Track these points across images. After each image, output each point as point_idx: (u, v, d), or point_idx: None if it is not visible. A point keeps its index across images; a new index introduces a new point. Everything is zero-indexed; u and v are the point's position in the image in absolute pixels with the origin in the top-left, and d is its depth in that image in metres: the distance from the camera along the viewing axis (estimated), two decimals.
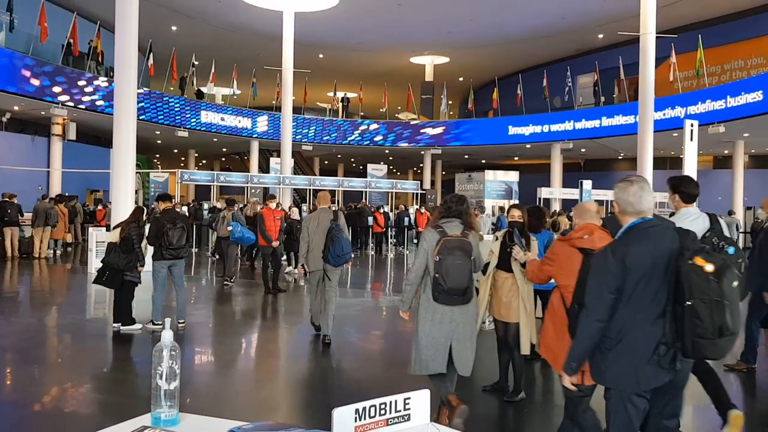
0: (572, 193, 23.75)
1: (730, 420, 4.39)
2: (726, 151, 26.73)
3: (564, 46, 28.69)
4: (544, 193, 25.04)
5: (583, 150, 29.42)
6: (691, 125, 11.26)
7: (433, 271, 4.39)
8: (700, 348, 2.78)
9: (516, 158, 34.93)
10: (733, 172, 24.97)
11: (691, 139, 11.23)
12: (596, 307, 2.90)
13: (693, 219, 4.10)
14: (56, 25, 20.42)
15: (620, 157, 32.00)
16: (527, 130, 27.93)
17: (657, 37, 17.43)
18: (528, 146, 29.02)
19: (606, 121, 25.26)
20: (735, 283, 2.77)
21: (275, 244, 11.23)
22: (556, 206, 25.41)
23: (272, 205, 11.76)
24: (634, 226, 2.97)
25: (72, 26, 20.86)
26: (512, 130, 28.34)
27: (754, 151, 27.45)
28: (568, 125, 26.67)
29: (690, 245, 2.88)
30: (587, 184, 22.01)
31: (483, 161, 35.94)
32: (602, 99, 26.44)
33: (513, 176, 27.45)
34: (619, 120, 24.46)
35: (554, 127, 27.11)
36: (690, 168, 11.24)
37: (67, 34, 20.93)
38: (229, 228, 11.61)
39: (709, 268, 2.75)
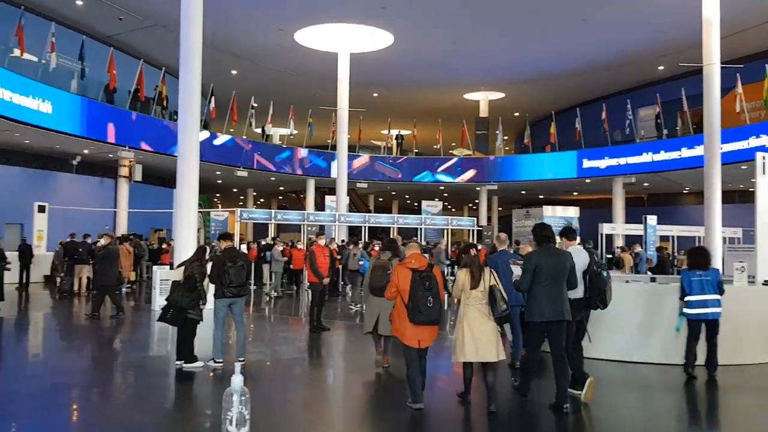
0: (636, 229, 22.99)
1: (587, 385, 6.48)
2: None
3: (623, 78, 28.24)
4: (605, 228, 24.38)
5: (645, 184, 28.65)
6: (763, 157, 10.79)
7: (371, 279, 8.08)
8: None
9: (575, 193, 34.30)
10: None
11: (764, 172, 10.74)
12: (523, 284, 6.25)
13: (579, 252, 6.79)
14: (124, 72, 21.34)
15: (685, 191, 31.04)
16: (587, 164, 27.45)
17: (721, 67, 16.95)
18: (588, 180, 28.47)
19: (669, 155, 24.58)
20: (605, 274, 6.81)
21: (327, 281, 11.22)
22: (618, 242, 24.71)
23: (322, 242, 11.79)
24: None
25: (139, 73, 21.75)
26: (572, 165, 27.90)
27: None
28: (629, 159, 26.07)
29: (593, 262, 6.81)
30: (652, 219, 21.28)
31: (541, 196, 35.42)
32: (665, 132, 25.80)
33: (573, 212, 26.86)
34: (684, 153, 23.77)
35: (615, 161, 26.54)
36: (763, 201, 10.74)
37: (134, 81, 21.83)
38: (360, 262, 13.01)
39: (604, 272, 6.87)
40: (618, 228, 25.77)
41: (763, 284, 9.54)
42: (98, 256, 13.12)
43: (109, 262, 12.76)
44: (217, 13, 18.04)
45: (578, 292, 6.59)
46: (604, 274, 6.79)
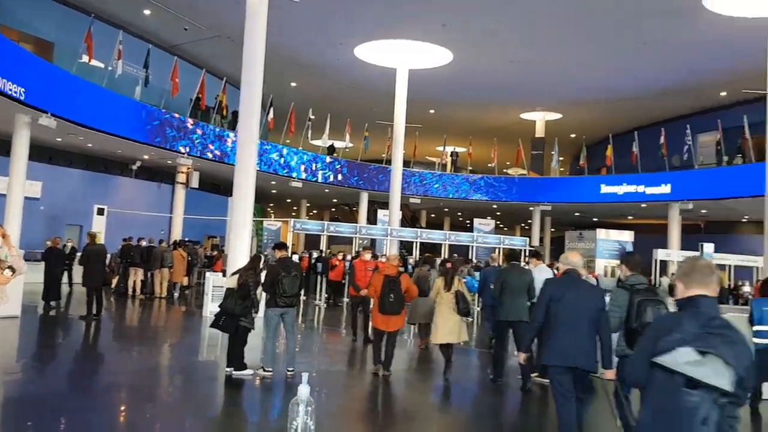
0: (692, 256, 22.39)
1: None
2: None
3: (684, 103, 27.61)
4: (660, 254, 23.76)
5: (703, 211, 27.87)
6: None
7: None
8: None
9: (630, 217, 33.58)
10: None
11: None
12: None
13: (543, 269, 9.07)
14: (186, 81, 21.92)
15: (744, 220, 30.07)
16: (642, 189, 26.86)
17: None
18: (643, 205, 27.85)
19: (729, 182, 23.85)
20: None
21: (364, 292, 11.19)
22: (673, 269, 24.06)
23: (366, 256, 11.90)
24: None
25: (201, 82, 22.31)
26: (626, 188, 27.35)
27: None
28: (687, 185, 25.41)
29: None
30: (709, 247, 20.67)
31: (594, 219, 34.81)
32: (725, 159, 25.08)
33: (627, 236, 26.28)
34: (743, 181, 23.01)
35: (672, 187, 25.90)
36: None
37: (195, 89, 22.39)
38: (464, 279, 13.32)
39: None
40: (673, 254, 25.09)
41: None
42: (80, 258, 12.80)
43: (92, 263, 12.40)
44: (280, 26, 18.41)
45: None
46: None
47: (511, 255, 9.24)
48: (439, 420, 7.18)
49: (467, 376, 9.52)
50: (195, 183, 24.01)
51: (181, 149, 21.52)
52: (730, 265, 23.33)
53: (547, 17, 19.25)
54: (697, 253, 19.87)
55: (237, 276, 8.10)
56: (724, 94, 25.81)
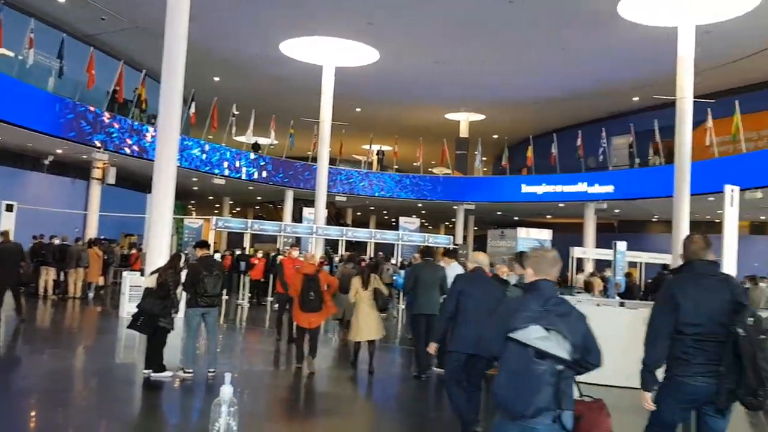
0: (606, 254, 23.31)
1: None
2: (763, 217, 26.22)
3: (599, 107, 28.77)
4: (576, 252, 24.67)
5: (616, 211, 29.12)
6: (731, 190, 11.08)
7: (340, 282, 9.53)
8: None
9: (549, 216, 34.67)
10: None
11: (732, 205, 11.04)
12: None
13: (456, 267, 8.99)
14: (103, 73, 21.10)
15: (654, 219, 31.59)
16: (561, 189, 27.82)
17: (693, 101, 17.37)
18: (561, 205, 28.84)
19: (641, 183, 25.02)
20: None
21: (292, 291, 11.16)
22: (588, 267, 25.01)
23: (294, 253, 11.87)
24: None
25: (118, 74, 21.53)
26: (546, 188, 28.26)
27: None
28: (602, 186, 26.49)
29: None
30: (622, 245, 21.60)
31: (515, 218, 35.74)
32: (637, 161, 26.27)
33: (546, 234, 27.16)
34: (654, 182, 24.19)
35: (588, 187, 26.94)
36: (730, 233, 11.02)
37: (113, 82, 21.59)
38: (394, 277, 14.20)
39: None
40: (589, 252, 26.09)
41: None
42: None
43: (5, 262, 11.56)
44: (203, 19, 17.96)
45: None
46: None
47: (426, 251, 9.60)
48: (362, 415, 7.22)
49: (392, 372, 9.59)
50: (111, 179, 23.11)
51: (97, 143, 20.76)
52: (641, 263, 24.45)
53: (471, 20, 19.62)
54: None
55: (156, 275, 7.88)
56: (636, 99, 27.01)
